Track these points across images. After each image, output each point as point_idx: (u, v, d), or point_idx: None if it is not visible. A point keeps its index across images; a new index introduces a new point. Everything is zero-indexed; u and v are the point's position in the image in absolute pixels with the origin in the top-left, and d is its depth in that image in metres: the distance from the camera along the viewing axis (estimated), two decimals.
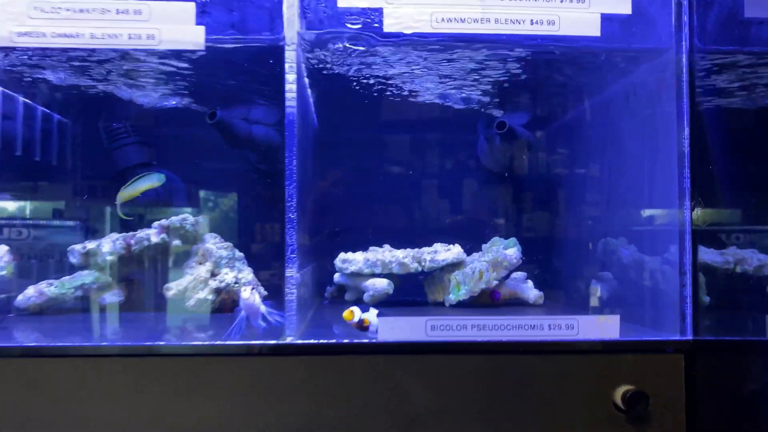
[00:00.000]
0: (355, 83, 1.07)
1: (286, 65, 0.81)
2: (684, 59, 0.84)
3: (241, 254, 1.15)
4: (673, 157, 0.85)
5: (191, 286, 1.07)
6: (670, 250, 0.84)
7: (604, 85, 1.08)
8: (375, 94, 1.13)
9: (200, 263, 1.11)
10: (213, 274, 1.09)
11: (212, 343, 0.76)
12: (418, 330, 0.77)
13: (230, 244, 1.14)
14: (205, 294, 1.07)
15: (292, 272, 0.79)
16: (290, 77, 0.81)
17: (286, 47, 0.81)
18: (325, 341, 0.76)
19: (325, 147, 1.30)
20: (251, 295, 0.82)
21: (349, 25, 0.84)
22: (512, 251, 1.21)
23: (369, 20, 0.83)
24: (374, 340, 0.78)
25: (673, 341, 0.81)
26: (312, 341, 0.76)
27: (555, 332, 0.78)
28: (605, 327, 0.78)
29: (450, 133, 1.33)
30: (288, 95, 0.81)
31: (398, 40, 0.85)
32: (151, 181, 1.13)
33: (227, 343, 0.76)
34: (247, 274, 1.12)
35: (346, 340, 0.77)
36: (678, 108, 0.85)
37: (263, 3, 0.84)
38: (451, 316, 0.79)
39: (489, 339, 0.77)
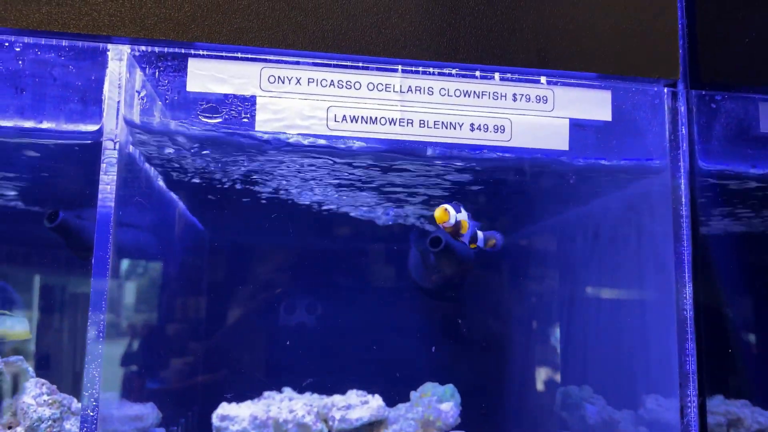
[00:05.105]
0: (230, 190, 0.79)
1: (102, 164, 0.54)
2: (683, 184, 0.60)
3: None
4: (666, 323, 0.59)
5: None
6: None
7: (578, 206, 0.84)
8: (265, 203, 0.86)
9: (9, 427, 0.78)
10: None
11: None
12: None
13: (59, 399, 0.81)
14: None
15: None
16: (106, 177, 0.54)
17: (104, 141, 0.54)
18: None
19: (215, 257, 1.01)
20: None
21: (203, 118, 0.56)
22: (448, 405, 0.93)
23: (235, 113, 0.56)
24: None
25: None
26: None
27: None
28: None
29: (371, 245, 1.06)
30: (102, 196, 0.55)
31: (280, 144, 0.59)
32: None
33: None
34: None
35: None
36: (677, 252, 0.60)
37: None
38: None
39: None
